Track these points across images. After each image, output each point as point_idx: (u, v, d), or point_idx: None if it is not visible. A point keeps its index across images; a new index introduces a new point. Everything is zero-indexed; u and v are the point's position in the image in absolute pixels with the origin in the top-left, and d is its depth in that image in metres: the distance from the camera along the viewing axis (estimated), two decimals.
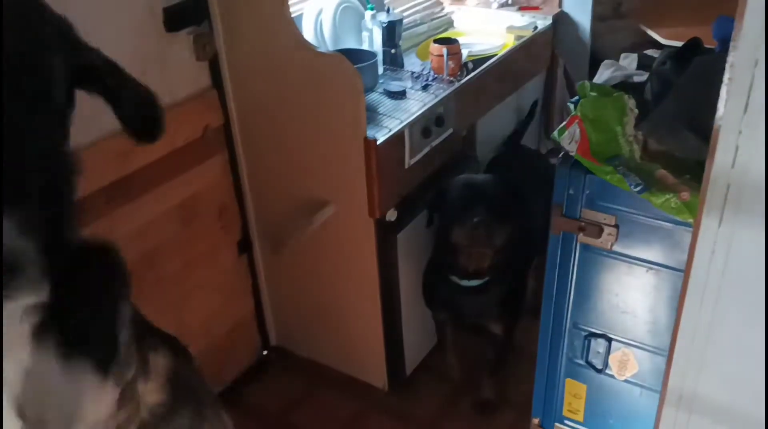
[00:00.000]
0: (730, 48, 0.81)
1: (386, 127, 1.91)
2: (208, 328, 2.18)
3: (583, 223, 1.62)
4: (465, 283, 1.98)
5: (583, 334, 1.77)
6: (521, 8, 2.68)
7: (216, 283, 2.17)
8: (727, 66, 0.82)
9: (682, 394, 0.98)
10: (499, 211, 1.86)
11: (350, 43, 2.26)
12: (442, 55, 2.15)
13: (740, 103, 0.79)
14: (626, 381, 1.76)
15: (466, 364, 2.33)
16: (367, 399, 2.29)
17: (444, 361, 2.34)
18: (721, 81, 0.89)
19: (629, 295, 1.65)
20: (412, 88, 2.15)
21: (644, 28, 2.48)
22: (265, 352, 2.47)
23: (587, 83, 1.66)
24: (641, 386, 1.75)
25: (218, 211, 2.11)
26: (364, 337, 2.23)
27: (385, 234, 2.03)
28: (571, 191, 1.60)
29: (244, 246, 2.25)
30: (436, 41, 2.20)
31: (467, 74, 2.20)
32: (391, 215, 2.01)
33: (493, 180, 1.99)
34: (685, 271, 0.95)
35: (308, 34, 2.21)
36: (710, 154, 0.85)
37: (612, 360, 1.76)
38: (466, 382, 2.31)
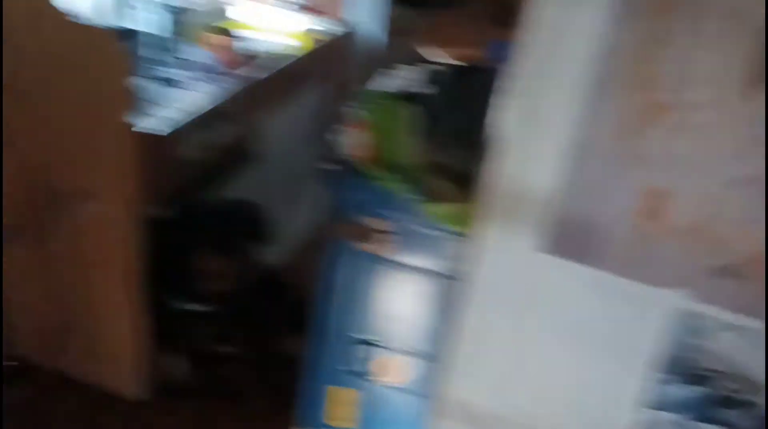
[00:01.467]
0: (513, 58, 0.83)
1: (159, 116, 1.77)
2: None
3: (360, 229, 1.61)
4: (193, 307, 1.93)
5: (353, 341, 1.76)
6: (311, 11, 2.65)
7: None
8: (509, 76, 0.84)
9: (454, 403, 0.98)
10: (239, 230, 1.90)
11: (123, 22, 2.06)
12: (225, 47, 2.05)
13: (520, 112, 0.80)
14: (396, 387, 1.78)
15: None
16: (116, 412, 2.08)
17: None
18: (495, 98, 0.91)
19: (400, 301, 1.67)
20: (191, 78, 2.01)
21: (426, 45, 2.58)
22: (15, 363, 2.16)
23: (371, 89, 1.66)
24: (411, 392, 1.77)
25: None
26: (118, 343, 2.03)
27: (151, 232, 1.86)
28: (350, 196, 1.58)
29: None
30: (220, 31, 2.09)
31: (252, 69, 2.11)
32: (160, 212, 1.86)
33: (235, 200, 1.97)
34: (460, 280, 0.96)
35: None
36: (488, 162, 0.86)
37: (377, 366, 1.77)
38: (231, 392, 2.20)
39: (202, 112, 1.85)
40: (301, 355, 2.04)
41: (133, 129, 1.66)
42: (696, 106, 0.79)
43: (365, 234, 1.60)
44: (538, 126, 0.84)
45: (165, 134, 1.74)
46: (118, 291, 1.93)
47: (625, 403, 0.94)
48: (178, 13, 2.10)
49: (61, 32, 1.62)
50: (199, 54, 2.16)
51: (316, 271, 2.01)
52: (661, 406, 0.95)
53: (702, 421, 0.94)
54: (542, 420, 1.00)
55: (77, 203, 1.79)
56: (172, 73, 2.00)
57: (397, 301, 1.67)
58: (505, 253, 0.88)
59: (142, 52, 1.92)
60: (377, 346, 1.73)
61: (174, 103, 1.83)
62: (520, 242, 0.87)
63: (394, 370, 1.76)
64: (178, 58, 2.11)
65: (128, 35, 1.91)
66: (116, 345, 2.01)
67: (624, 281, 0.86)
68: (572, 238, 0.84)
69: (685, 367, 0.91)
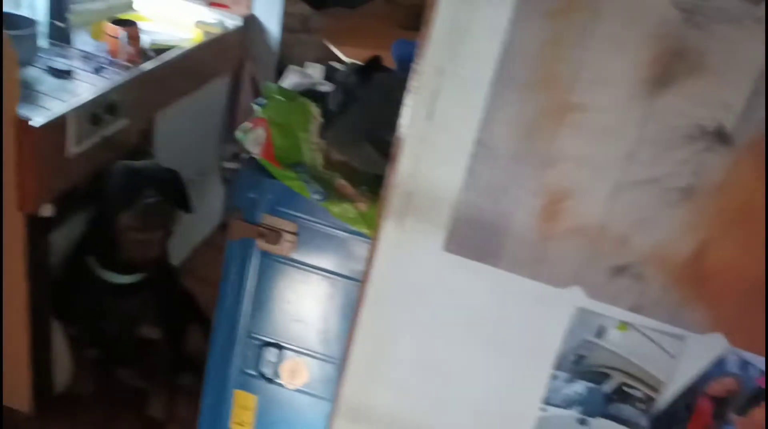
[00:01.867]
0: (417, 57, 0.82)
1: (46, 107, 1.66)
2: None
3: (263, 229, 1.56)
4: (119, 279, 1.81)
5: (256, 343, 1.71)
6: (211, 4, 2.57)
7: None
8: (413, 75, 0.83)
9: (354, 405, 0.96)
10: (167, 195, 1.78)
11: (13, 8, 1.93)
12: (118, 37, 1.94)
13: (423, 111, 0.79)
14: (297, 390, 1.75)
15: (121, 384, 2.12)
16: (7, 425, 1.95)
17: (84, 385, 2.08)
18: (399, 98, 0.90)
19: (303, 303, 1.64)
20: (81, 68, 1.91)
21: (329, 44, 2.56)
22: None
23: (273, 86, 1.62)
24: (312, 395, 1.74)
25: None
26: (10, 355, 1.89)
27: (37, 233, 1.75)
28: (252, 195, 1.54)
29: None
30: (113, 21, 1.99)
31: (146, 62, 2.02)
32: (46, 210, 1.74)
33: (157, 165, 1.87)
34: (363, 280, 0.94)
35: None
36: (392, 161, 0.85)
37: (283, 369, 1.73)
38: (133, 395, 2.10)
39: (94, 104, 1.75)
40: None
41: (21, 122, 1.55)
42: (595, 108, 0.80)
43: (268, 234, 1.56)
44: (441, 125, 0.83)
45: (54, 128, 1.64)
46: (4, 292, 1.80)
47: (526, 401, 0.95)
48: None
49: None
50: (92, 44, 2.05)
51: (208, 272, 1.96)
52: (561, 403, 0.97)
53: (602, 416, 0.96)
54: (443, 421, 1.00)
55: None
56: (63, 63, 1.88)
57: (300, 303, 1.64)
58: (408, 253, 0.87)
59: (32, 41, 1.80)
60: (282, 348, 1.70)
61: (64, 95, 1.73)
62: (424, 242, 0.86)
63: (297, 373, 1.73)
64: (70, 49, 1.99)
65: (18, 22, 1.78)
66: (8, 356, 1.87)
67: (524, 280, 0.86)
68: (474, 238, 0.83)
69: (584, 365, 0.93)
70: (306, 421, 1.78)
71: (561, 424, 0.97)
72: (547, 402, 0.97)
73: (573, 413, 0.98)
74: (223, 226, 2.89)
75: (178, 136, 2.30)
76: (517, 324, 0.91)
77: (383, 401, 0.98)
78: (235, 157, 2.69)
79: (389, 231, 0.85)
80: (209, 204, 2.01)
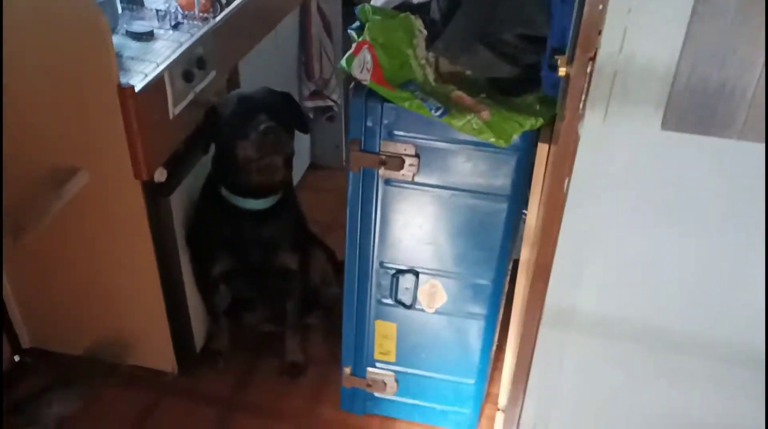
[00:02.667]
0: None
1: (140, 72, 1.63)
2: None
3: (383, 157, 1.53)
4: (254, 205, 1.82)
5: (391, 272, 1.70)
6: None
7: None
8: None
9: (559, 312, 0.94)
10: (282, 119, 1.75)
11: None
12: None
13: None
14: (436, 312, 1.74)
15: (259, 333, 2.17)
16: (155, 386, 2.02)
17: (217, 339, 2.12)
18: None
19: (434, 225, 1.61)
20: (160, 28, 1.86)
21: None
22: (17, 358, 2.06)
23: (368, 6, 1.55)
24: (451, 315, 1.74)
25: None
26: (143, 319, 1.95)
27: (156, 197, 1.76)
28: (369, 124, 1.49)
29: None
30: None
31: (221, 10, 1.96)
32: (161, 175, 1.75)
33: (268, 90, 1.83)
34: (551, 182, 0.88)
35: None
36: (584, 44, 0.76)
37: (421, 294, 1.72)
38: (268, 344, 2.15)
39: (184, 61, 1.72)
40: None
41: (124, 91, 1.54)
42: None
43: (389, 161, 1.52)
44: None
45: (155, 90, 1.62)
46: (134, 264, 1.84)
47: (751, 287, 0.90)
48: None
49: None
50: (163, 2, 2.01)
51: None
52: None
53: None
54: (658, 317, 0.96)
55: (75, 179, 1.66)
56: (142, 25, 1.84)
57: (430, 225, 1.61)
58: (613, 140, 0.80)
59: (113, 7, 1.77)
60: (417, 273, 1.68)
61: (152, 57, 1.70)
62: (634, 124, 0.79)
63: (435, 296, 1.72)
64: (143, 10, 1.95)
65: None
66: (142, 318, 1.92)
67: (754, 147, 0.79)
68: (697, 109, 0.76)
69: None
70: (448, 340, 1.79)
71: None
72: None
73: None
74: (312, 167, 2.88)
75: (261, 80, 2.25)
76: (743, 199, 0.84)
77: (588, 304, 0.94)
78: (314, 94, 2.64)
79: (593, 117, 0.79)
80: (297, 145, 1.98)
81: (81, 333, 2.04)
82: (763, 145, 0.78)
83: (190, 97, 1.77)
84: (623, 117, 0.79)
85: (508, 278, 1.74)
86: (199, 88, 1.80)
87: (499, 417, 1.77)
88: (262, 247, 1.88)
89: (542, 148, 1.42)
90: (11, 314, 2.01)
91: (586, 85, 0.77)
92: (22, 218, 1.73)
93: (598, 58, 0.77)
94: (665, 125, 0.78)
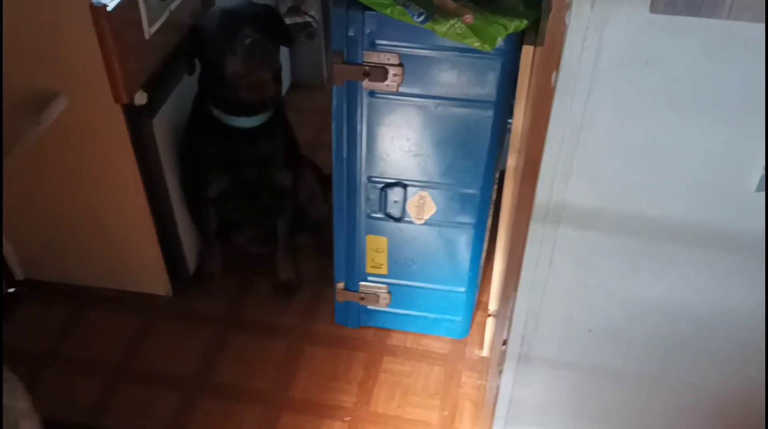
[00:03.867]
0: None
1: None
2: None
3: (366, 68, 1.51)
4: (246, 123, 1.79)
5: (379, 186, 1.71)
6: None
7: None
8: None
9: (550, 207, 0.95)
10: (267, 32, 1.70)
11: None
12: None
13: None
14: (425, 224, 1.76)
15: (251, 252, 2.19)
16: (149, 310, 2.05)
17: (209, 261, 2.13)
18: None
19: (420, 136, 1.61)
20: None
21: None
22: (12, 290, 2.07)
23: None
24: (440, 225, 1.76)
25: None
26: (134, 243, 1.96)
27: (138, 120, 1.74)
28: (350, 33, 1.47)
29: None
30: None
31: None
32: (141, 98, 1.71)
33: (250, 3, 1.77)
34: (538, 76, 0.87)
35: None
36: None
37: (409, 206, 1.74)
38: (259, 264, 2.17)
39: None
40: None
41: (97, 10, 1.49)
42: None
43: (373, 71, 1.50)
44: None
45: (128, 9, 1.57)
46: (121, 189, 1.83)
47: (742, 171, 0.90)
48: None
49: None
50: None
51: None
52: None
53: None
54: (648, 208, 0.97)
55: (54, 104, 1.63)
56: None
57: (417, 136, 1.61)
58: (602, 28, 0.79)
59: None
60: (405, 186, 1.69)
61: None
62: (622, 10, 0.78)
63: (424, 207, 1.74)
64: None
65: None
66: (133, 243, 1.93)
67: (745, 27, 0.78)
68: None
69: None
70: (438, 250, 1.81)
71: None
72: None
73: None
74: (293, 86, 2.84)
75: None
76: (733, 82, 0.84)
77: (579, 198, 0.95)
78: (291, 10, 2.58)
79: (578, 8, 0.78)
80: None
81: (73, 262, 2.05)
82: (754, 24, 0.78)
83: (165, 15, 1.72)
84: (611, 3, 0.78)
85: (495, 188, 1.76)
86: (173, 6, 1.75)
87: (490, 322, 1.82)
88: (256, 165, 1.87)
89: (527, 51, 1.41)
90: (3, 247, 2.01)
91: None
92: (2, 143, 1.71)
93: None
94: (654, 8, 0.77)
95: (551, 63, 0.85)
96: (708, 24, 0.78)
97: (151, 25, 1.67)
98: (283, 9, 2.55)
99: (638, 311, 1.11)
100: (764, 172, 0.92)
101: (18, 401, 1.08)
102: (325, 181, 2.13)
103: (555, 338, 1.21)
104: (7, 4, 1.53)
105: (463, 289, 1.88)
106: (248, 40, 1.64)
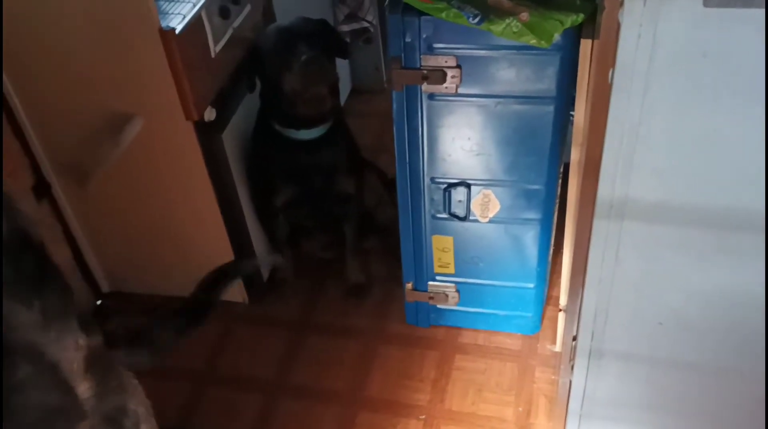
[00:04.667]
0: None
1: (177, 13, 1.65)
2: None
3: (425, 72, 1.53)
4: (306, 135, 1.85)
5: (442, 186, 1.73)
6: None
7: None
8: None
9: (613, 202, 0.95)
10: (322, 46, 1.75)
11: None
12: None
13: None
14: (490, 222, 1.77)
15: (321, 257, 2.24)
16: (229, 317, 2.13)
17: (282, 268, 2.20)
18: None
19: (482, 135, 1.62)
20: None
21: None
22: (99, 302, 2.19)
23: None
24: (505, 222, 1.77)
25: None
26: (210, 253, 2.03)
27: (208, 136, 1.81)
28: (407, 39, 1.49)
29: (41, 190, 1.91)
30: None
31: None
32: (210, 114, 1.79)
33: (304, 19, 1.83)
34: (595, 74, 0.88)
35: None
36: None
37: (474, 205, 1.75)
38: (330, 269, 2.23)
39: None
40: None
41: (166, 34, 1.57)
42: None
43: (431, 75, 1.53)
44: None
45: (195, 30, 1.64)
46: (195, 202, 1.91)
47: None
48: None
49: None
50: None
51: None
52: None
53: None
54: (715, 197, 0.96)
55: (130, 125, 1.72)
56: None
57: (478, 136, 1.62)
58: (656, 24, 0.79)
59: None
60: (469, 185, 1.71)
61: None
62: (675, 6, 0.78)
63: (488, 205, 1.75)
64: None
65: None
66: (209, 253, 2.01)
67: None
68: None
69: None
70: (504, 247, 1.82)
71: None
72: None
73: None
74: (354, 92, 2.89)
75: (294, 8, 2.25)
76: None
77: (642, 192, 0.96)
78: (349, 17, 2.63)
79: (630, 6, 0.78)
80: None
81: (154, 273, 2.15)
82: None
83: (229, 33, 1.79)
84: (663, 2, 0.78)
85: (560, 182, 1.75)
86: (236, 23, 1.82)
87: (561, 317, 1.82)
88: (320, 174, 1.93)
89: (585, 45, 1.40)
90: (88, 261, 2.12)
91: None
92: (84, 166, 1.82)
93: None
94: (708, 2, 0.77)
95: (607, 60, 0.85)
96: (764, 13, 0.77)
97: (216, 43, 1.75)
98: (340, 16, 2.60)
99: (709, 303, 1.10)
100: None
101: (140, 406, 1.14)
102: (389, 185, 2.16)
103: (625, 332, 1.21)
104: (83, 35, 1.63)
105: (532, 285, 1.88)
106: (303, 57, 1.70)
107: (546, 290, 1.98)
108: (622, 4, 0.79)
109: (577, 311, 1.19)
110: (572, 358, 1.31)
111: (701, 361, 1.21)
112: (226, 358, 2.03)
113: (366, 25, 2.66)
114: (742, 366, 1.21)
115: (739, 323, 1.12)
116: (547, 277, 1.97)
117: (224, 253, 2.02)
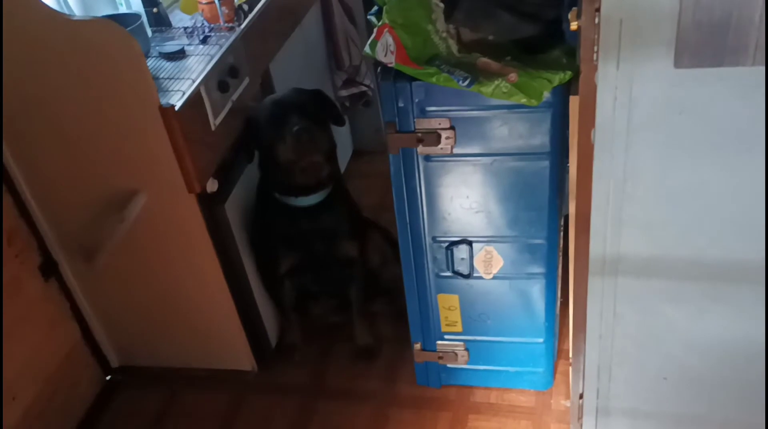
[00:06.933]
0: None
1: (177, 90, 1.70)
2: (35, 372, 1.88)
3: (419, 135, 1.56)
4: (306, 202, 1.88)
5: (444, 245, 1.74)
6: None
7: (27, 320, 1.85)
8: None
9: (604, 259, 0.95)
10: (315, 116, 1.81)
11: (104, 10, 1.98)
12: (213, 2, 1.95)
13: None
14: (494, 278, 1.77)
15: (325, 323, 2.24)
16: (238, 386, 2.12)
17: (290, 333, 2.20)
18: None
19: (480, 193, 1.64)
20: (189, 44, 1.93)
21: None
22: (108, 377, 2.18)
23: None
24: (509, 277, 1.76)
25: (6, 239, 1.78)
26: (218, 323, 2.04)
27: (211, 207, 1.84)
28: (401, 104, 1.53)
29: (48, 269, 1.94)
30: None
31: (245, 17, 2.02)
32: (212, 185, 1.82)
33: (298, 90, 1.90)
34: (579, 134, 0.90)
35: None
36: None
37: (477, 262, 1.75)
38: (338, 333, 2.22)
39: (217, 72, 1.78)
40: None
41: (166, 111, 1.61)
42: None
43: (426, 137, 1.55)
44: None
45: (194, 106, 1.68)
46: (201, 273, 1.92)
47: None
48: None
49: (72, 34, 1.55)
50: (188, 19, 2.08)
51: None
52: None
53: None
54: (704, 249, 0.96)
55: (134, 201, 1.75)
56: (172, 45, 1.92)
57: (476, 194, 1.63)
58: (631, 86, 0.81)
59: (140, 32, 1.84)
60: (471, 243, 1.71)
61: (187, 74, 1.76)
62: (648, 68, 0.80)
63: (491, 261, 1.75)
64: (171, 30, 2.03)
65: (125, 20, 1.82)
66: (217, 323, 2.02)
67: None
68: (708, 42, 0.76)
69: None
70: (511, 303, 1.81)
71: None
72: None
73: None
74: (356, 154, 2.93)
75: (293, 78, 2.32)
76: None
77: (634, 246, 0.96)
78: (347, 83, 2.69)
79: (606, 68, 0.80)
80: (337, 135, 2.03)
81: (163, 345, 2.14)
82: None
83: (228, 106, 1.84)
84: (636, 62, 0.80)
85: (561, 234, 1.75)
86: (235, 96, 1.87)
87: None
88: (321, 239, 1.95)
89: (574, 101, 1.41)
90: (97, 337, 2.13)
91: (596, 36, 0.79)
92: (91, 243, 1.84)
93: (603, 8, 0.78)
94: (678, 63, 0.79)
95: (588, 120, 0.87)
96: (733, 71, 0.79)
97: (216, 116, 1.78)
98: (338, 82, 2.66)
99: (712, 354, 1.09)
100: None
101: None
102: (395, 244, 2.17)
103: (630, 389, 1.19)
104: (86, 114, 1.67)
105: (541, 340, 1.86)
106: (295, 128, 1.75)
107: (556, 344, 1.96)
108: (596, 68, 0.81)
109: (581, 368, 1.18)
110: (580, 417, 1.29)
111: (710, 413, 1.19)
112: (238, 428, 2.01)
113: (364, 88, 2.72)
114: (752, 417, 1.18)
115: (744, 373, 1.11)
116: (556, 331, 1.95)
117: (232, 323, 2.02)
